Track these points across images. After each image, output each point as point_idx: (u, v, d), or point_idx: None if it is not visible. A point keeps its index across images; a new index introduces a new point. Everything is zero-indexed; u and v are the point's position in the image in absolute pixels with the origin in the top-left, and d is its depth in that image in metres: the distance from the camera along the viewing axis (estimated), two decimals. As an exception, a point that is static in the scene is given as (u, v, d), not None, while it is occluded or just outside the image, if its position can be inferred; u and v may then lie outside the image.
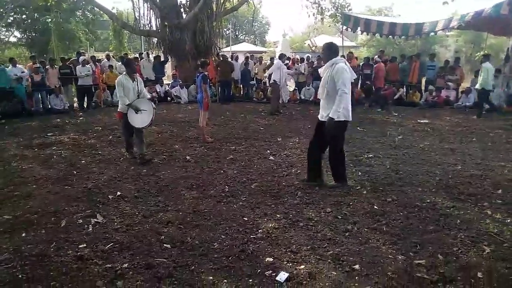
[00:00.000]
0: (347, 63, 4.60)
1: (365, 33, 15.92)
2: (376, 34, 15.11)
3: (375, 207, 4.26)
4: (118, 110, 6.20)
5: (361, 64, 14.46)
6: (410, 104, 12.66)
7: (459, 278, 2.89)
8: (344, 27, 15.72)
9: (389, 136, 8.03)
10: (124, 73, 6.07)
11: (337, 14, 16.95)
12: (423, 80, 13.44)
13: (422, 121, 9.78)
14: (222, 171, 5.63)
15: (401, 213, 4.10)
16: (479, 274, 2.93)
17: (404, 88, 13.55)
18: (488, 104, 11.05)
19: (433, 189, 4.83)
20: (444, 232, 3.67)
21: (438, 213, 4.11)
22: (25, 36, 30.55)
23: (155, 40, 15.80)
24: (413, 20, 13.82)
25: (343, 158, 4.95)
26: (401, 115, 10.87)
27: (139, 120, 6.04)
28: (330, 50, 4.65)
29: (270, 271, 2.98)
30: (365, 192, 4.73)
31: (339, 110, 4.44)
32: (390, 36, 14.97)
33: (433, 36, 22.32)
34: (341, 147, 4.87)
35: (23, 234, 3.65)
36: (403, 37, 14.52)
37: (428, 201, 4.43)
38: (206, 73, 7.48)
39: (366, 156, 6.38)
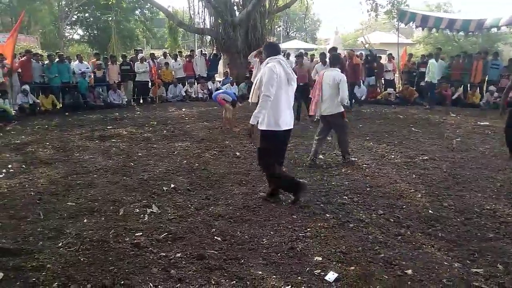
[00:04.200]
0: (284, 63, 4.04)
1: (421, 28, 15.35)
2: (433, 30, 14.46)
3: (430, 211, 4.10)
4: (341, 110, 5.70)
5: (416, 62, 13.96)
6: (469, 105, 12.01)
7: (521, 290, 2.73)
8: (400, 23, 15.24)
9: (446, 138, 7.67)
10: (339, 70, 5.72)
11: (393, 10, 16.40)
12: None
13: (482, 123, 9.24)
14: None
15: (458, 219, 3.91)
16: (544, 288, 2.75)
17: (462, 88, 12.88)
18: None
19: (494, 196, 4.56)
20: (505, 241, 3.46)
21: (498, 220, 3.88)
22: (87, 33, 32.42)
23: (208, 38, 16.15)
24: (474, 16, 13.11)
25: (272, 174, 4.26)
26: (459, 116, 10.34)
27: None
28: (268, 50, 4.21)
29: (319, 270, 2.97)
30: (419, 195, 4.56)
31: (257, 116, 3.98)
32: (448, 32, 14.33)
33: (495, 33, 20.99)
34: (267, 161, 4.20)
35: (85, 220, 3.89)
36: (461, 33, 13.84)
37: (488, 207, 4.20)
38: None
39: (420, 158, 6.15)
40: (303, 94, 8.73)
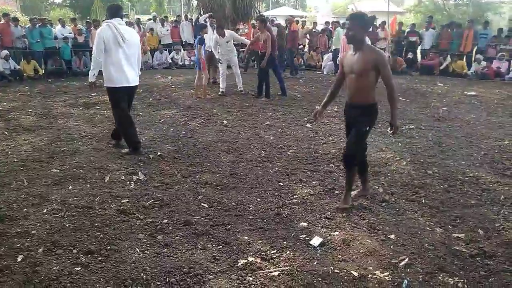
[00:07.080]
0: (113, 26, 4.45)
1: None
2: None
3: (414, 179, 4.16)
4: None
5: (406, 31, 13.83)
6: (457, 74, 12.03)
7: (499, 254, 2.81)
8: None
9: (432, 107, 7.72)
10: None
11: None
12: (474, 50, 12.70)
13: (469, 93, 9.29)
14: (258, 137, 5.65)
15: (442, 186, 3.99)
16: (522, 251, 2.84)
17: (449, 57, 12.84)
18: None
19: (477, 164, 4.65)
20: (486, 207, 3.55)
21: (481, 187, 3.97)
22: (70, -3, 31.07)
23: (195, 2, 15.67)
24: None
25: (123, 122, 4.82)
26: (447, 85, 10.38)
27: None
28: (108, 12, 4.76)
29: (304, 235, 3.01)
30: (404, 163, 4.62)
31: (91, 73, 4.65)
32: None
33: (486, 2, 20.85)
34: (116, 111, 4.80)
35: (70, 187, 3.85)
36: (452, 1, 13.70)
37: (471, 175, 4.28)
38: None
39: (407, 127, 6.19)
40: (264, 64, 8.22)
